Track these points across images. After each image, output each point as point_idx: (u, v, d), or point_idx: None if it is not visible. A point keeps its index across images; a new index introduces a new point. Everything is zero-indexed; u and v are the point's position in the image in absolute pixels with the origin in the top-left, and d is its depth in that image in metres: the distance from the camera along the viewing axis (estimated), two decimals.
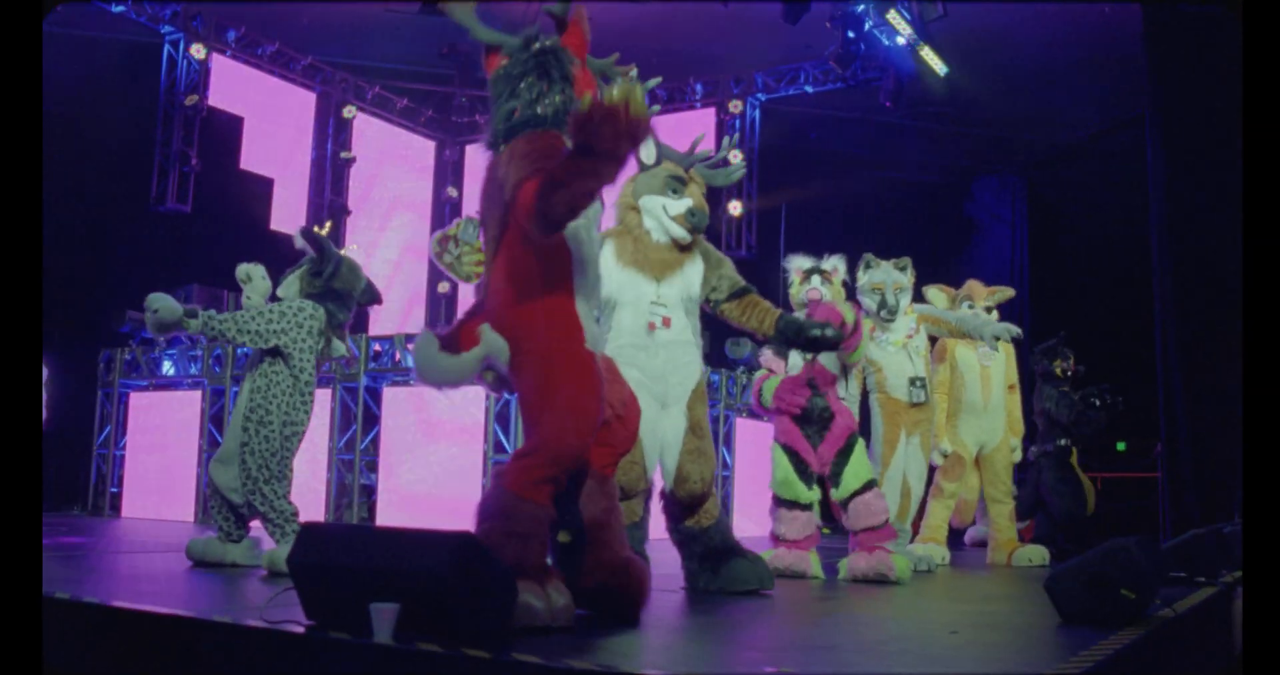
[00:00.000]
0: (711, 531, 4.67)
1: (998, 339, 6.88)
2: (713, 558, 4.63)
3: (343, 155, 13.98)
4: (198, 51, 12.09)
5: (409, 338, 9.67)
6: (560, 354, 3.25)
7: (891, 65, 12.28)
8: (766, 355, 5.80)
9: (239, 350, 9.71)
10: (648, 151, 4.76)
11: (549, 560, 3.28)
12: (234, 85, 12.61)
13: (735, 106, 13.66)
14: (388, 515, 9.00)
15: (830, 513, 5.75)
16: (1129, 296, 11.27)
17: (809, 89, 13.52)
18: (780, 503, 5.58)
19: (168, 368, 10.75)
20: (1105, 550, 3.83)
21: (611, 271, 4.61)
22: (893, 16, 11.47)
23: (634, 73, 3.76)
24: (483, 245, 3.50)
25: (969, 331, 6.83)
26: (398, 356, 9.51)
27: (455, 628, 2.77)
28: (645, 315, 4.59)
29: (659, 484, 4.73)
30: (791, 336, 4.69)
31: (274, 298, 5.46)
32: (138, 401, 10.92)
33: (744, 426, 10.87)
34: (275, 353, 5.13)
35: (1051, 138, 14.42)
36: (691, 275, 4.71)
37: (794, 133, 14.23)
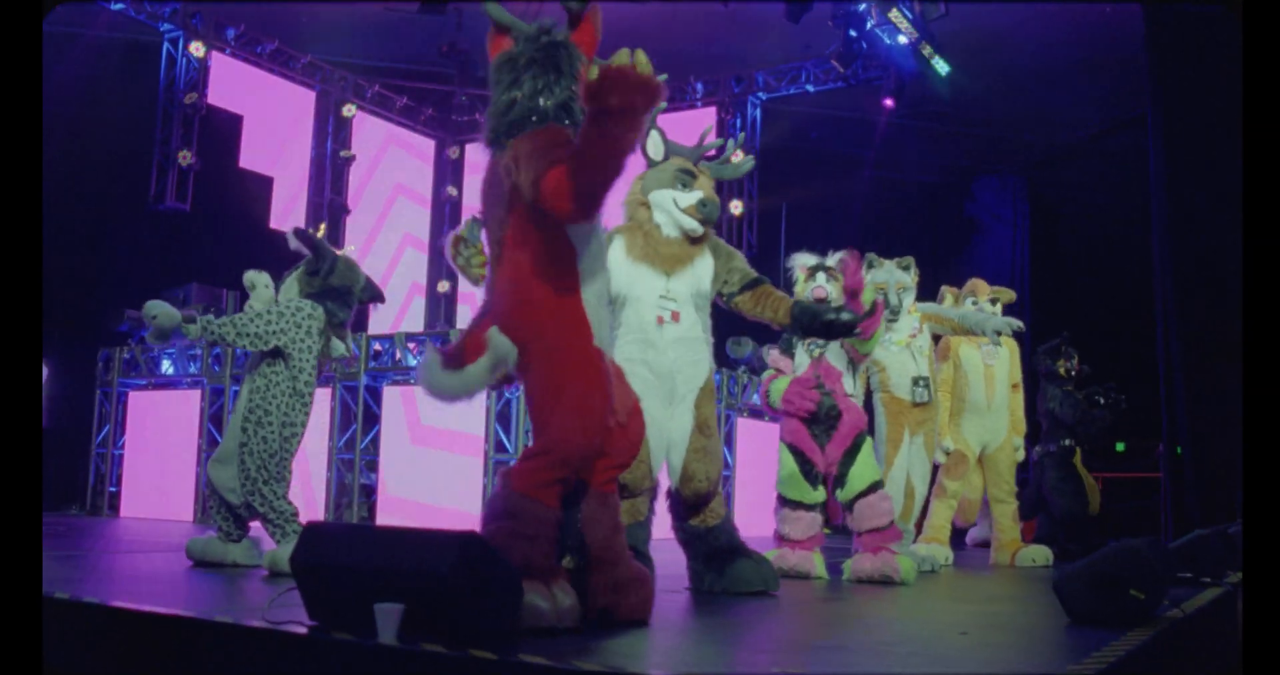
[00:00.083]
0: (717, 531, 4.64)
1: (1000, 334, 6.86)
2: (718, 558, 4.60)
3: (342, 154, 13.94)
4: (197, 49, 12.05)
5: (409, 337, 9.64)
6: (567, 352, 3.21)
7: (893, 65, 12.26)
8: (773, 355, 5.77)
9: (238, 350, 9.66)
10: (655, 147, 4.73)
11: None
12: (233, 83, 12.57)
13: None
14: (388, 515, 8.97)
15: (827, 513, 5.72)
16: (1129, 296, 11.27)
17: (810, 88, 13.48)
18: (785, 502, 5.55)
19: (167, 367, 10.72)
20: (1114, 551, 3.81)
21: (621, 267, 4.56)
22: (895, 15, 11.45)
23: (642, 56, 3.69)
24: (485, 246, 3.45)
25: (971, 327, 6.81)
26: (398, 356, 9.48)
27: (461, 628, 2.74)
28: (654, 310, 4.55)
29: (664, 483, 4.70)
30: (807, 323, 4.62)
31: None
32: (136, 401, 10.89)
33: (745, 426, 10.85)
34: (275, 353, 5.10)
35: (1052, 137, 14.41)
36: (701, 270, 4.66)
37: (795, 132, 14.21)
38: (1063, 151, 14.58)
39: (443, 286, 15.20)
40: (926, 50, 11.97)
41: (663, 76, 4.19)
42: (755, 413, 10.93)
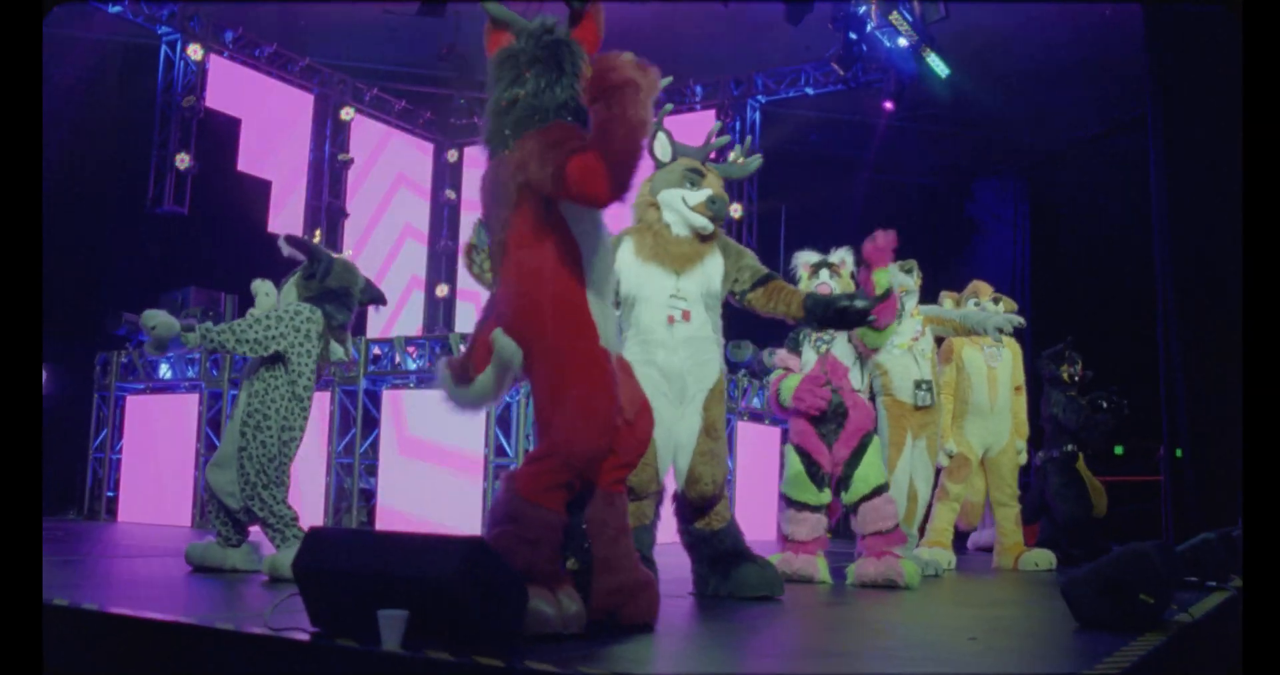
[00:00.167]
0: (722, 534, 4.61)
1: (1001, 331, 6.83)
2: (723, 562, 4.57)
3: (340, 157, 13.91)
4: (195, 52, 12.02)
5: (409, 341, 9.61)
6: (572, 353, 3.17)
7: (893, 67, 12.24)
8: (780, 354, 5.74)
9: (236, 355, 9.63)
10: (663, 149, 4.72)
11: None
12: (231, 86, 12.53)
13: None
14: (387, 519, 8.93)
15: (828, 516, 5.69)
16: (1130, 297, 11.26)
17: (810, 91, 13.45)
18: (790, 504, 5.53)
19: (164, 371, 10.67)
20: (1123, 555, 3.78)
21: (630, 267, 4.56)
22: (895, 18, 11.43)
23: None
24: (489, 249, 3.41)
25: (973, 326, 6.79)
26: (397, 359, 9.44)
27: (465, 634, 2.70)
28: (664, 309, 4.53)
29: (670, 488, 4.67)
30: (821, 313, 4.57)
31: None
32: (134, 404, 10.85)
33: (745, 430, 10.82)
34: (275, 358, 5.06)
35: (1052, 139, 14.41)
36: (711, 269, 4.64)
37: (795, 135, 14.19)
38: (1063, 152, 14.58)
39: (441, 290, 15.17)
40: (927, 52, 11.95)
41: (667, 80, 4.20)
42: (755, 416, 10.90)
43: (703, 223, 4.62)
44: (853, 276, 5.56)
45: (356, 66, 14.04)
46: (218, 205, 12.41)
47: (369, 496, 9.42)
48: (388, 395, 9.33)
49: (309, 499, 9.23)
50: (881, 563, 5.25)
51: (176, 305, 10.11)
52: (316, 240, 5.78)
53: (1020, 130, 14.26)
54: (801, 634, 3.84)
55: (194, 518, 9.87)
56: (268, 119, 13.04)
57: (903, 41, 11.82)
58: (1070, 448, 8.09)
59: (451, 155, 15.40)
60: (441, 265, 15.28)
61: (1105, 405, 7.94)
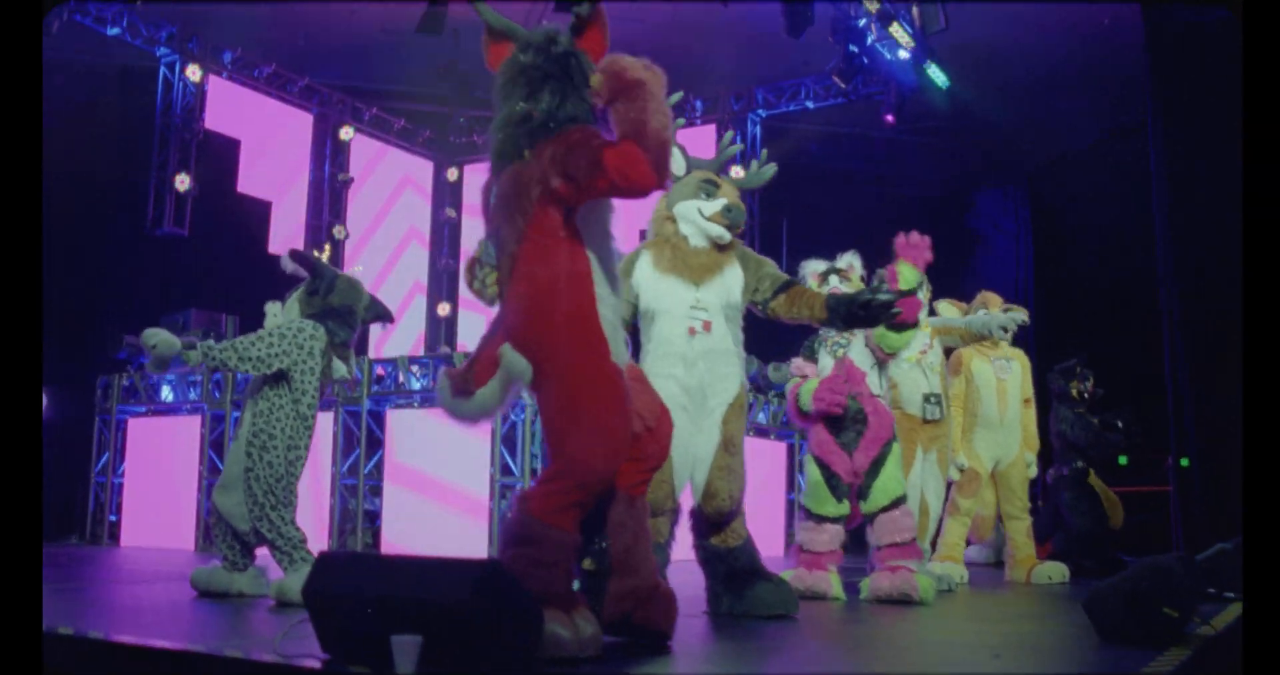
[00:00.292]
0: (738, 552, 4.55)
1: (1005, 330, 6.79)
2: (737, 580, 4.50)
3: (340, 177, 13.89)
4: (193, 73, 12.02)
5: (412, 360, 9.55)
6: (585, 369, 3.10)
7: (893, 79, 12.23)
8: (796, 362, 5.68)
9: (238, 375, 9.57)
10: (676, 163, 4.69)
11: (575, 586, 3.15)
12: (230, 107, 12.54)
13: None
14: (393, 541, 8.86)
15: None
16: (1133, 305, 11.20)
17: (810, 104, 13.45)
18: (809, 515, 5.47)
19: (166, 393, 10.61)
20: (1145, 568, 3.73)
21: (649, 280, 4.54)
22: (895, 30, 11.42)
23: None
24: (498, 263, 3.34)
25: (978, 330, 6.75)
26: (400, 379, 9.38)
27: (480, 659, 2.63)
28: (685, 321, 4.49)
29: (686, 506, 4.61)
30: (845, 311, 4.51)
31: None
32: (136, 427, 10.77)
33: (751, 445, 10.68)
34: (278, 376, 5.00)
35: (1053, 147, 14.40)
36: (731, 280, 4.60)
37: (796, 149, 14.17)
38: (1064, 161, 14.56)
39: (443, 309, 15.13)
40: (927, 64, 11.94)
41: (677, 95, 4.20)
42: (761, 431, 10.82)
43: (719, 232, 4.59)
44: (863, 279, 5.52)
45: (355, 86, 14.04)
46: (218, 226, 12.40)
47: (374, 518, 9.33)
48: (392, 415, 9.26)
49: (313, 521, 9.15)
50: (896, 577, 5.18)
51: (178, 327, 10.05)
52: (324, 257, 5.73)
53: (1020, 139, 14.25)
54: (824, 653, 3.76)
55: (197, 541, 9.79)
56: (267, 139, 13.04)
57: (903, 54, 11.81)
58: (1079, 464, 8.06)
59: (451, 173, 15.38)
60: (443, 283, 15.24)
61: (1120, 426, 7.92)
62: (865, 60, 11.94)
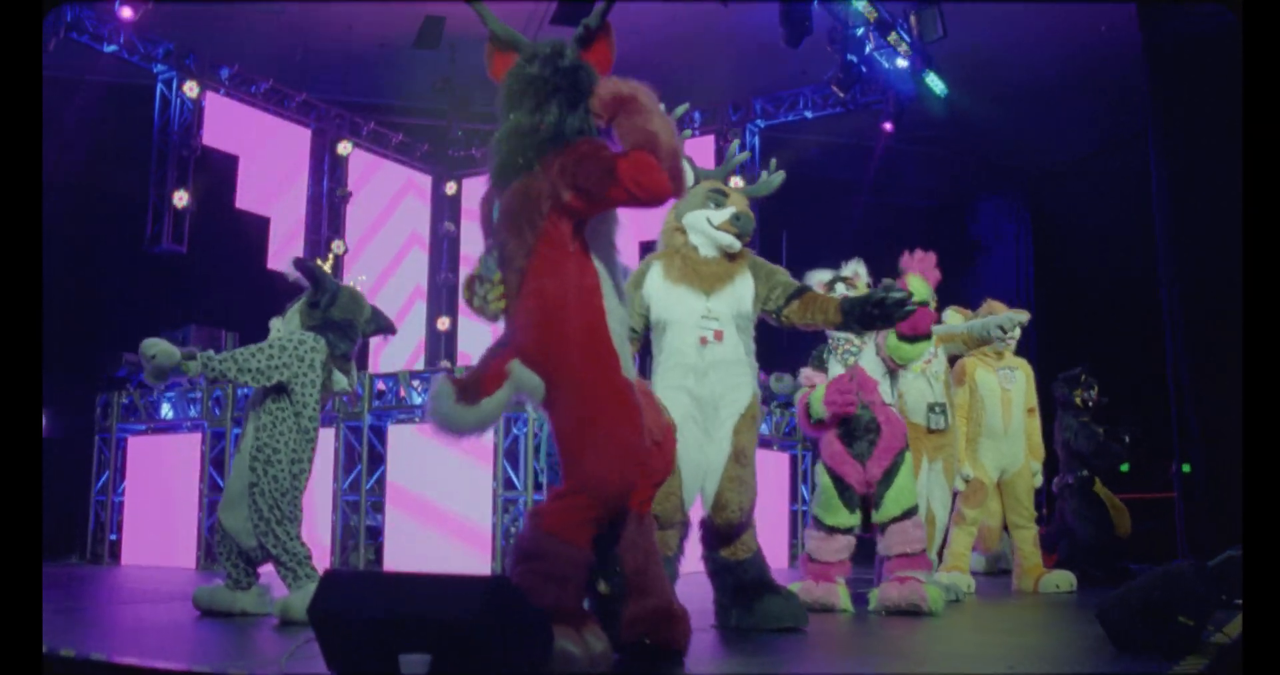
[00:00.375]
0: (747, 565, 4.51)
1: (1004, 330, 6.77)
2: (746, 593, 4.46)
3: (338, 191, 13.87)
4: (191, 90, 12.00)
5: (414, 375, 9.51)
6: (597, 385, 3.07)
7: (892, 88, 12.23)
8: (805, 372, 5.65)
9: (239, 390, 9.53)
10: (686, 173, 4.67)
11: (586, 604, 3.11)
12: (228, 124, 12.51)
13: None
14: (395, 557, 8.80)
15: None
16: (1135, 312, 11.20)
17: (809, 114, 13.42)
18: (819, 525, 5.43)
19: (166, 411, 10.57)
20: (1159, 577, 3.70)
21: (660, 291, 4.53)
22: (893, 39, 11.42)
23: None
24: (502, 277, 3.30)
25: (979, 334, 6.74)
26: (402, 394, 9.34)
27: None
28: (696, 330, 4.47)
29: (695, 519, 4.57)
30: (860, 311, 4.46)
31: None
32: (136, 446, 10.72)
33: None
34: (279, 389, 4.96)
35: (1053, 155, 14.40)
36: (742, 289, 4.59)
37: (795, 159, 14.16)
38: (1063, 169, 14.57)
39: (443, 324, 15.09)
40: (926, 72, 11.94)
41: (683, 107, 4.16)
42: (764, 442, 10.78)
43: (729, 241, 4.58)
44: (869, 287, 5.50)
45: (353, 101, 14.03)
46: (217, 243, 12.36)
47: (376, 534, 9.28)
48: (393, 431, 9.22)
49: (315, 537, 9.10)
50: (905, 587, 5.13)
51: (177, 343, 9.97)
52: (328, 267, 5.72)
53: (1020, 147, 14.26)
54: (836, 667, 3.72)
55: (199, 560, 9.73)
56: (265, 155, 13.01)
57: (901, 62, 11.81)
58: (1085, 473, 8.04)
59: (450, 187, 15.36)
60: (442, 298, 15.21)
61: (1127, 439, 7.91)
62: (864, 69, 11.94)
